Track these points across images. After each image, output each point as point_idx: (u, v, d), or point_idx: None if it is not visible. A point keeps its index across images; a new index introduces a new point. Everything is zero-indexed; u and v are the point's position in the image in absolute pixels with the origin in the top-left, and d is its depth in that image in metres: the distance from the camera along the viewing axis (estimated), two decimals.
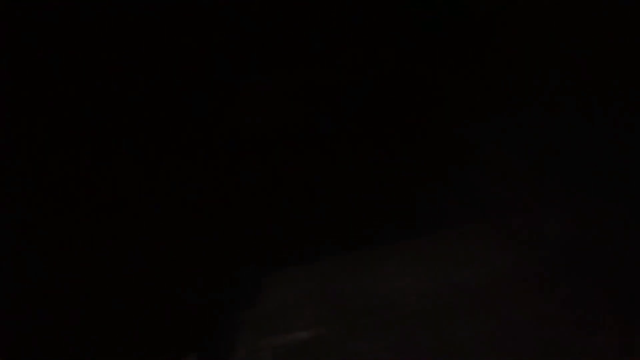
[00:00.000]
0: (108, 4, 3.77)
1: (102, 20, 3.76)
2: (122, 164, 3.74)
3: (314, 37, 3.86)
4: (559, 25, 3.80)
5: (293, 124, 3.90)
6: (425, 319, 3.07)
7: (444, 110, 3.86)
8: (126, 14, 3.78)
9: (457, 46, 3.83)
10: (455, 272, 3.36)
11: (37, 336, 3.36)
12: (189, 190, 3.84)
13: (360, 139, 3.90)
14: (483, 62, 3.84)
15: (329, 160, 3.89)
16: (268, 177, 3.89)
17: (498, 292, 3.11)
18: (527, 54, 3.86)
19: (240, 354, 3.22)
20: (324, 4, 3.83)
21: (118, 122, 3.78)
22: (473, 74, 3.86)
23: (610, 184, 3.57)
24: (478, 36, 3.82)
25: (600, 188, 3.58)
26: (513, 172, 3.67)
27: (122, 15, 3.78)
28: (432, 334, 2.98)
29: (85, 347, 3.40)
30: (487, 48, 3.83)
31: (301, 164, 3.90)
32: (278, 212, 3.87)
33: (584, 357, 2.70)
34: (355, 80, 3.89)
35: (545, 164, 3.78)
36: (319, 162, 3.90)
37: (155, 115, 3.84)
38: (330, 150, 3.91)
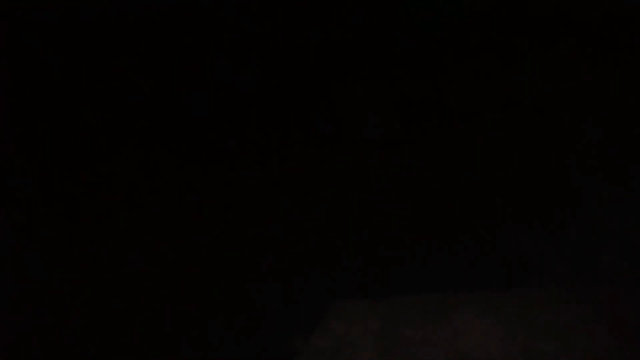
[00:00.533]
0: None
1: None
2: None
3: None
4: None
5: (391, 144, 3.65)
6: None
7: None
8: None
9: None
10: (534, 339, 3.01)
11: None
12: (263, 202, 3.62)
13: (459, 168, 3.61)
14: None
15: (418, 186, 3.60)
16: (346, 200, 3.63)
17: None
18: None
19: None
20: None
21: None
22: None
23: None
24: None
25: None
26: (633, 242, 3.30)
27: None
28: None
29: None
30: None
31: (386, 188, 3.64)
32: (351, 237, 3.58)
33: None
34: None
35: None
36: (407, 186, 3.62)
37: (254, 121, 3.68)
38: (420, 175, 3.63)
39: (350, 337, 3.25)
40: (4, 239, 3.40)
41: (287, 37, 3.70)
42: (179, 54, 3.72)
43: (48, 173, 3.54)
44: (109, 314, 3.37)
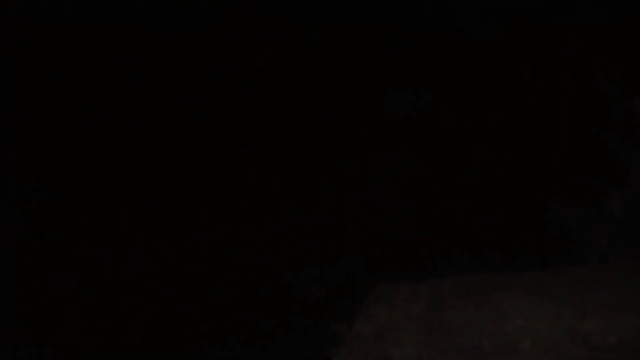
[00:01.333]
0: None
1: None
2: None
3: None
4: None
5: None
6: None
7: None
8: None
9: None
10: (580, 318, 2.93)
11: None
12: (300, 181, 3.59)
13: (503, 145, 3.54)
14: None
15: (459, 165, 3.55)
16: (394, 176, 3.58)
17: (634, 352, 2.66)
18: None
19: None
20: None
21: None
22: None
23: None
24: None
25: None
26: None
27: None
28: None
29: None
30: None
31: (430, 163, 3.59)
32: (396, 217, 3.53)
33: None
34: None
35: None
36: (448, 165, 3.57)
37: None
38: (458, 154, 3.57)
39: (392, 322, 3.20)
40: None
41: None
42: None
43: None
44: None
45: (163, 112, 3.68)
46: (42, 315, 3.36)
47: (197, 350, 3.29)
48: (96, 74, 3.68)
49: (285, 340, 3.32)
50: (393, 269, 3.46)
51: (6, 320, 3.25)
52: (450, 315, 3.16)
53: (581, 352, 2.67)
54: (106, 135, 3.65)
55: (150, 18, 3.66)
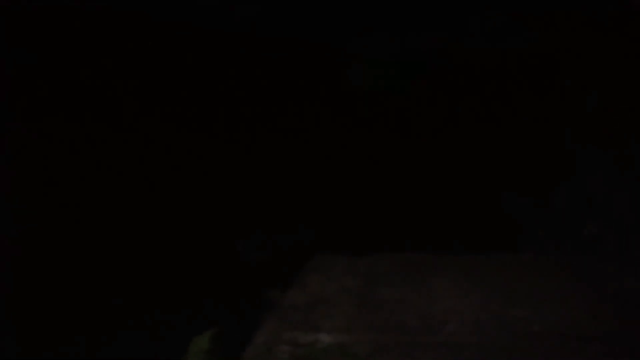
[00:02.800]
0: None
1: None
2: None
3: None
4: None
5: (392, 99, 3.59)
6: (462, 352, 2.68)
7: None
8: None
9: None
10: (512, 307, 2.95)
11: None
12: (259, 159, 3.59)
13: (459, 132, 3.55)
14: None
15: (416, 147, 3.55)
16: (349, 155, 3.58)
17: (555, 341, 2.69)
18: None
19: (258, 341, 2.90)
20: None
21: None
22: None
23: None
24: None
25: None
26: (619, 214, 3.20)
27: None
28: None
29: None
30: None
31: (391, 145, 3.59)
32: (343, 192, 3.53)
33: None
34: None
35: None
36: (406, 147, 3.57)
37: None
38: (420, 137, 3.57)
39: (326, 294, 3.22)
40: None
41: None
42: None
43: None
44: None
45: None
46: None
47: (129, 310, 3.29)
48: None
49: (217, 303, 3.32)
50: (334, 241, 3.47)
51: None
52: (384, 291, 3.17)
53: (505, 338, 2.69)
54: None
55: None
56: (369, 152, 3.63)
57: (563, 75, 3.57)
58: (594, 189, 3.38)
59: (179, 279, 3.44)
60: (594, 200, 3.34)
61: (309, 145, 3.63)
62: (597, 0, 3.47)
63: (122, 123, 3.65)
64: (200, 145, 3.64)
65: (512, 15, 3.55)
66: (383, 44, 3.69)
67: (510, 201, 3.44)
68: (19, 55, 3.57)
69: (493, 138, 3.59)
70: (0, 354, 3.15)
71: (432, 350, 2.65)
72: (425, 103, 3.68)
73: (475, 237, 3.40)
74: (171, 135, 3.65)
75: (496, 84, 3.64)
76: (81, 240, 3.48)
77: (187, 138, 3.67)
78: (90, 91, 3.64)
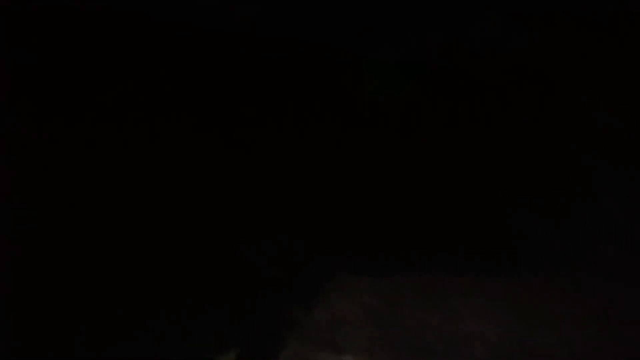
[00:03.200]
0: None
1: None
2: None
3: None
4: None
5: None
6: None
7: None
8: None
9: None
10: (535, 331, 2.96)
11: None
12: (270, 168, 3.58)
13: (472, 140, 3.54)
14: None
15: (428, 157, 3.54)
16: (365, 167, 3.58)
17: None
18: None
19: None
20: None
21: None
22: None
23: None
24: None
25: None
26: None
27: None
28: None
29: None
30: None
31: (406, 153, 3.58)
32: (366, 210, 3.53)
33: None
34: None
35: None
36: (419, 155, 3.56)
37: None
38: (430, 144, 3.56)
39: (349, 313, 3.23)
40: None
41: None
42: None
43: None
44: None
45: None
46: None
47: (146, 324, 3.29)
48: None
49: (240, 320, 3.32)
50: (356, 260, 3.46)
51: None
52: (406, 312, 3.18)
53: None
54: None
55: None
56: (385, 169, 3.63)
57: (572, 87, 3.57)
58: (614, 211, 3.38)
59: (196, 292, 3.43)
60: (614, 222, 3.35)
61: (324, 159, 3.63)
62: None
63: (124, 123, 3.63)
64: (211, 149, 3.63)
65: (521, 19, 3.55)
66: (387, 45, 3.69)
67: (532, 223, 3.44)
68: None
69: (514, 160, 3.59)
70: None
71: None
72: (439, 116, 3.67)
73: (496, 259, 3.40)
74: (179, 137, 3.65)
75: (509, 96, 3.64)
76: (83, 241, 3.45)
77: (196, 140, 3.66)
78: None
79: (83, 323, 3.25)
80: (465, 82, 3.68)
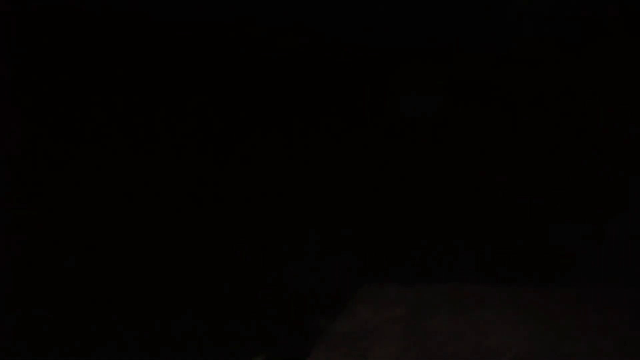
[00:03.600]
0: None
1: None
2: None
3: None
4: None
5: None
6: None
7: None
8: None
9: None
10: (566, 341, 2.90)
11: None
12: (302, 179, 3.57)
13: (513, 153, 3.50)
14: None
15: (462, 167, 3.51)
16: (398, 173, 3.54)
17: None
18: None
19: None
20: None
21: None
22: None
23: None
24: None
25: None
26: None
27: None
28: None
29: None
30: None
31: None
32: (391, 218, 3.49)
33: None
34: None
35: None
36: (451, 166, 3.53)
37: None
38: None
39: (375, 323, 3.19)
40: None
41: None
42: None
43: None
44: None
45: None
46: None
47: (177, 340, 3.28)
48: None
49: (266, 332, 3.30)
50: (381, 269, 3.43)
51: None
52: (433, 322, 3.14)
53: None
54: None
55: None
56: (415, 177, 3.58)
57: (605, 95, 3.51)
58: None
59: (222, 298, 3.42)
60: None
61: (350, 169, 3.60)
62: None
63: (138, 125, 3.63)
64: (232, 157, 3.61)
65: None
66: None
67: (561, 230, 3.38)
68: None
69: (542, 164, 3.54)
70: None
71: None
72: (473, 122, 3.63)
73: (524, 268, 3.35)
74: (198, 140, 3.63)
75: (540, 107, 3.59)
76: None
77: (216, 144, 3.64)
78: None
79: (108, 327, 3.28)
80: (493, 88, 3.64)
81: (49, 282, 3.36)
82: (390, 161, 3.61)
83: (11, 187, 3.47)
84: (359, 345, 3.00)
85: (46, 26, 3.59)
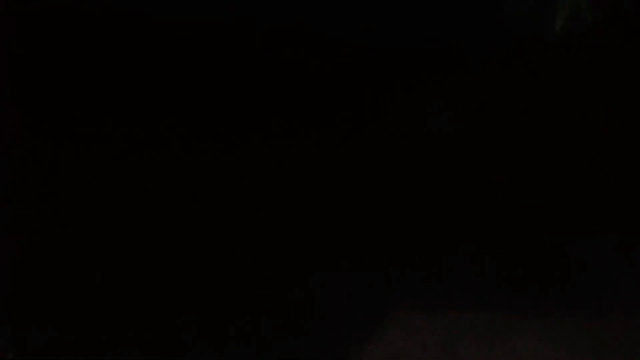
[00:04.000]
0: None
1: None
2: None
3: None
4: None
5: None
6: None
7: None
8: None
9: None
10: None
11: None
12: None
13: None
14: None
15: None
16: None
17: None
18: None
19: None
20: None
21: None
22: None
23: None
24: None
25: None
26: None
27: None
28: None
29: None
30: None
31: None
32: (414, 246, 3.45)
33: None
34: None
35: None
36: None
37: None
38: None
39: (405, 349, 3.16)
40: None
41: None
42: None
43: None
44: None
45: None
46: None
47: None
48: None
49: (295, 356, 3.27)
50: (411, 296, 3.39)
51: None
52: (465, 349, 3.11)
53: None
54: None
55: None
56: (446, 206, 3.53)
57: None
58: None
59: (239, 321, 3.39)
60: None
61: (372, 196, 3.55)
62: None
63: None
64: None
65: None
66: None
67: (594, 254, 3.33)
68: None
69: (568, 189, 3.47)
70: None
71: None
72: (503, 145, 3.58)
73: (559, 298, 3.29)
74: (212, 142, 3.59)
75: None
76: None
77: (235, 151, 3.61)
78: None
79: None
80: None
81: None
82: (423, 185, 3.56)
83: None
84: None
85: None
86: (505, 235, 3.47)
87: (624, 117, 3.50)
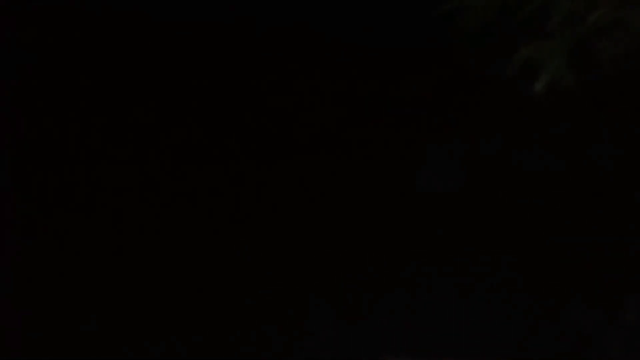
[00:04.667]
0: None
1: None
2: None
3: None
4: None
5: None
6: None
7: None
8: None
9: None
10: None
11: None
12: None
13: None
14: None
15: None
16: None
17: None
18: None
19: None
20: None
21: None
22: None
23: None
24: None
25: None
26: None
27: None
28: None
29: None
30: None
31: None
32: (406, 296, 3.39)
33: None
34: None
35: None
36: None
37: None
38: None
39: None
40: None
41: None
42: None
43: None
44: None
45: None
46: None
47: None
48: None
49: None
50: (400, 342, 3.32)
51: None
52: None
53: None
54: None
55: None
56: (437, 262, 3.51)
57: None
58: None
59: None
60: None
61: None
62: None
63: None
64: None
65: None
66: None
67: (577, 313, 3.32)
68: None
69: (556, 250, 3.47)
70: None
71: None
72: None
73: (548, 355, 3.30)
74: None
75: None
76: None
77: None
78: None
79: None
80: None
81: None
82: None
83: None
84: None
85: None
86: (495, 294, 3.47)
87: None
